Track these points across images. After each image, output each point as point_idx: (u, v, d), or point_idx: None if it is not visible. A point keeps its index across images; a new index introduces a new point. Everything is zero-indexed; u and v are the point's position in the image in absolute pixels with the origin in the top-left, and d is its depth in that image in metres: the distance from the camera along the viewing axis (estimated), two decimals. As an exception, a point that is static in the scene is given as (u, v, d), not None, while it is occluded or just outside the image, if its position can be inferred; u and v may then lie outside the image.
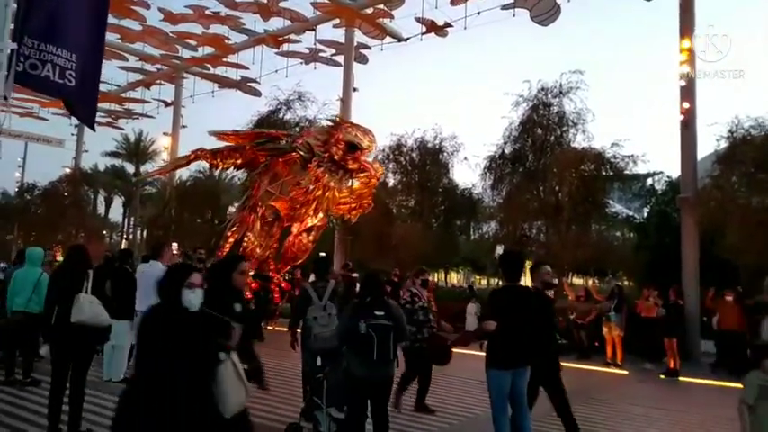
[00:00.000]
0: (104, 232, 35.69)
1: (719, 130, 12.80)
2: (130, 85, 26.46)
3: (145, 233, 28.32)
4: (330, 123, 9.41)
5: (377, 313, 4.44)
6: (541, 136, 15.83)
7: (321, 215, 9.84)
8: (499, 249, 15.00)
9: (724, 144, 12.90)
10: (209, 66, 23.94)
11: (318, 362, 5.33)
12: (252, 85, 23.70)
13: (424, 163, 18.32)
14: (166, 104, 26.78)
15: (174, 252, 13.90)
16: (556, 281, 11.83)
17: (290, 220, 9.74)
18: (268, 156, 9.84)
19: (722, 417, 7.24)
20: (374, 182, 9.69)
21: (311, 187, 9.04)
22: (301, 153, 9.22)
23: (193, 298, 2.99)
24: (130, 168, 41.91)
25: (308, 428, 5.10)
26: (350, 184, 9.71)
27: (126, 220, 44.02)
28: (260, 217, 9.61)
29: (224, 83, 24.50)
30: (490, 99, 68.51)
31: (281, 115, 19.55)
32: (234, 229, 10.23)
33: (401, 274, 11.38)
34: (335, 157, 8.78)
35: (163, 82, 26.17)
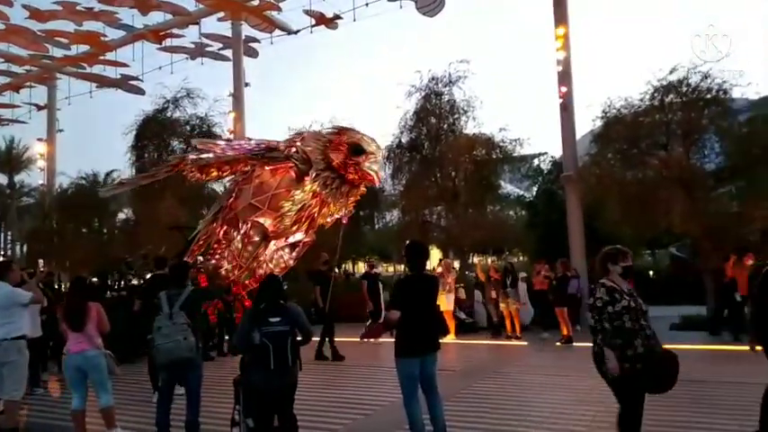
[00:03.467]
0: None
1: (595, 110, 13.80)
2: (-4, 88, 24.07)
3: (24, 248, 26.03)
4: (331, 129, 8.00)
5: (272, 320, 4.32)
6: (435, 124, 16.28)
7: (310, 231, 8.58)
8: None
9: (599, 123, 13.91)
10: (84, 65, 22.27)
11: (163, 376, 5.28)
12: (134, 83, 22.37)
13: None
14: (39, 108, 24.65)
15: (41, 269, 12.89)
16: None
17: (276, 237, 8.48)
18: (253, 163, 8.37)
19: (612, 376, 7.92)
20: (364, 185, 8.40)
21: (307, 204, 7.76)
22: (296, 163, 7.85)
23: None
24: (2, 179, 38.29)
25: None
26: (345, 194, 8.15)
27: (2, 234, 40.21)
28: (243, 235, 8.24)
29: (103, 82, 22.92)
30: (385, 90, 69.36)
31: (168, 114, 18.61)
32: (200, 243, 8.80)
33: (330, 259, 10.48)
34: (334, 164, 7.47)
35: (33, 84, 24.03)
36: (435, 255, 16.84)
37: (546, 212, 21.55)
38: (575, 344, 10.86)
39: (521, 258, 22.82)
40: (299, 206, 7.77)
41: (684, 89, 12.74)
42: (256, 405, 4.47)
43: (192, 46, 20.52)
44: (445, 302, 11.43)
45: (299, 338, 4.51)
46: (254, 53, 20.55)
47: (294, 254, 8.90)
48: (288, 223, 7.90)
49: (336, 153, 7.40)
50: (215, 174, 8.40)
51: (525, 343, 11.42)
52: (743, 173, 13.33)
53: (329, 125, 17.93)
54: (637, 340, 4.02)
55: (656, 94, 13.00)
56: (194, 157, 8.27)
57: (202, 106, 18.66)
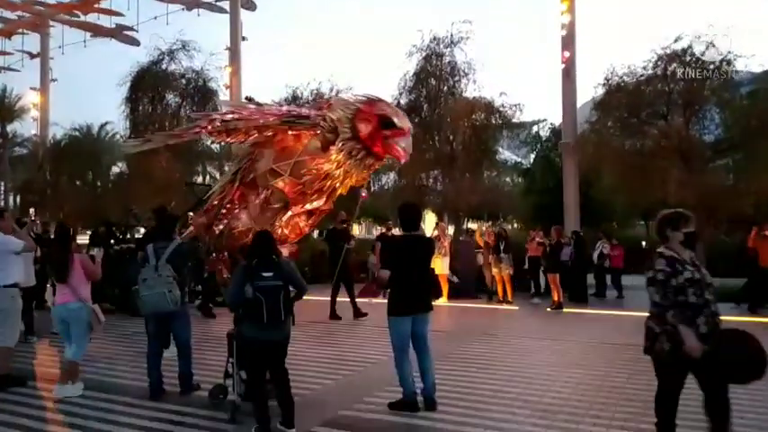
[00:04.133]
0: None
1: (597, 77, 13.66)
2: (-13, 33, 23.54)
3: (18, 199, 25.88)
4: (361, 97, 7.53)
5: (264, 274, 4.31)
6: (435, 86, 16.09)
7: (329, 200, 8.24)
8: None
9: (601, 91, 13.78)
10: (78, 13, 21.74)
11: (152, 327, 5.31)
12: (129, 33, 21.94)
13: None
14: (32, 56, 24.16)
15: (33, 219, 12.81)
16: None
17: (294, 204, 8.06)
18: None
19: (600, 342, 8.06)
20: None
21: (334, 173, 7.44)
22: (324, 132, 7.45)
23: None
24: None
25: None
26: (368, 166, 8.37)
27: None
28: (263, 200, 7.83)
29: (97, 31, 22.45)
30: (386, 48, 68.21)
31: (163, 66, 18.29)
32: (214, 203, 8.94)
33: (349, 217, 10.47)
34: (360, 135, 7.11)
35: (26, 31, 23.48)
36: (430, 219, 16.88)
37: (542, 180, 21.55)
38: (564, 309, 11.02)
39: (515, 225, 22.90)
40: (324, 176, 7.58)
41: (688, 58, 12.59)
42: (249, 358, 4.52)
43: (189, -4, 20.06)
44: (440, 266, 11.49)
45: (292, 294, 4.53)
46: (252, 6, 20.10)
47: (310, 221, 8.69)
48: (309, 192, 7.71)
49: (365, 124, 6.99)
50: (241, 137, 8.13)
51: (516, 308, 11.55)
52: (741, 146, 13.32)
53: (329, 83, 17.80)
54: (700, 318, 3.50)
55: (659, 63, 12.85)
56: (225, 118, 8.00)
57: (198, 59, 18.38)
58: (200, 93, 18.28)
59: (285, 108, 8.07)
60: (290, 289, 4.51)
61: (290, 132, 7.73)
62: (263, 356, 4.42)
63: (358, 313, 10.03)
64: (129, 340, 7.90)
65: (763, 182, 11.05)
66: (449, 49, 15.96)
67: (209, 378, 5.51)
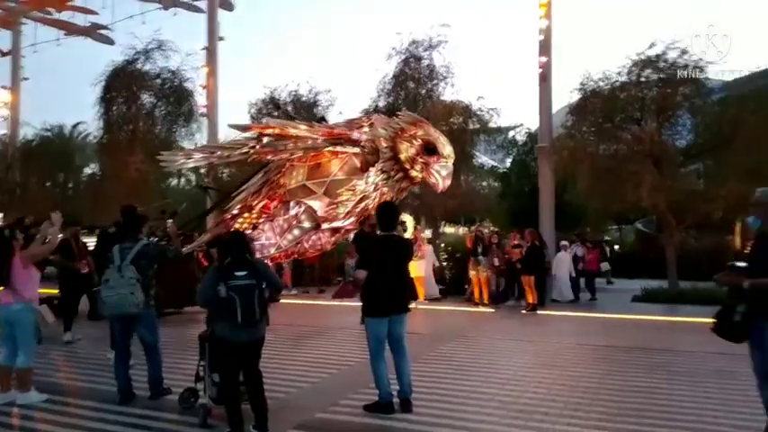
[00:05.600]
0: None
1: (573, 83, 13.82)
2: (-46, 30, 22.91)
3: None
4: (407, 118, 7.24)
5: (237, 274, 4.24)
6: (414, 89, 16.10)
7: (353, 219, 7.91)
8: None
9: (576, 96, 13.94)
10: (51, 10, 21.30)
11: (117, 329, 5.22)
12: (103, 32, 21.53)
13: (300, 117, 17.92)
14: (3, 54, 23.59)
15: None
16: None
17: (324, 222, 7.86)
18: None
19: (574, 343, 8.14)
20: None
21: (370, 194, 7.17)
22: (365, 152, 7.21)
23: None
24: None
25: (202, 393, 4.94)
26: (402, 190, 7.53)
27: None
28: (292, 216, 7.66)
29: (70, 29, 21.97)
30: (365, 50, 68.21)
31: (139, 66, 17.99)
32: (234, 212, 8.09)
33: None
34: (400, 156, 6.86)
35: (-5, 27, 22.93)
36: (410, 222, 16.87)
37: (518, 184, 21.74)
38: (539, 312, 11.10)
39: (491, 228, 23.04)
40: (359, 197, 7.26)
41: (662, 65, 12.82)
42: (222, 360, 4.44)
43: (166, -5, 19.80)
44: (416, 269, 11.49)
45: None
46: (229, 6, 19.93)
47: (333, 239, 8.30)
48: (342, 212, 7.37)
49: (406, 145, 6.78)
50: (285, 155, 7.66)
51: (492, 310, 11.61)
52: (711, 152, 13.59)
53: (307, 84, 17.72)
54: None
55: (633, 69, 13.06)
56: (274, 142, 7.50)
57: (174, 60, 18.07)
58: (175, 93, 18.02)
59: (333, 129, 7.69)
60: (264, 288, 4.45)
61: (325, 150, 7.46)
62: (237, 358, 4.35)
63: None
64: (101, 343, 7.73)
65: (732, 187, 11.26)
66: (427, 52, 16.01)
67: (181, 382, 5.42)
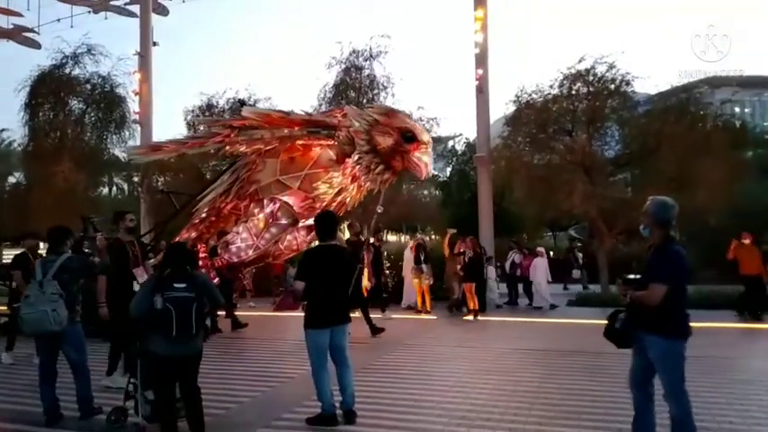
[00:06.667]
0: None
1: (509, 95, 14.26)
2: None
3: None
4: (379, 108, 7.14)
5: (176, 285, 4.11)
6: (355, 98, 16.15)
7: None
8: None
9: (512, 108, 14.39)
10: (-31, 10, 20.10)
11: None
12: (28, 35, 20.50)
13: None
14: None
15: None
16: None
17: (301, 218, 7.54)
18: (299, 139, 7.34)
19: (513, 348, 8.33)
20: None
21: (348, 187, 6.99)
22: (340, 143, 7.00)
23: None
24: None
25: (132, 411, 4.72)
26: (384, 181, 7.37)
27: None
28: (268, 215, 7.33)
29: (-9, 31, 20.82)
30: (305, 59, 67.91)
31: (67, 70, 17.20)
32: (203, 216, 7.63)
33: (362, 228, 10.00)
34: (379, 148, 6.71)
35: None
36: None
37: (458, 192, 22.16)
38: (480, 318, 11.31)
39: (433, 237, 23.35)
40: (336, 189, 7.02)
41: (591, 78, 13.41)
42: (157, 375, 4.27)
43: (96, -1, 19.07)
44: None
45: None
46: (163, 11, 19.39)
47: (308, 237, 8.03)
48: (319, 206, 7.10)
49: (384, 137, 6.68)
50: (259, 146, 7.30)
51: (435, 317, 11.73)
52: (638, 161, 14.30)
53: (246, 92, 17.44)
54: None
55: (564, 82, 13.60)
56: (249, 131, 7.14)
57: (105, 64, 17.43)
58: (106, 99, 17.36)
59: (308, 116, 7.48)
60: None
61: (298, 143, 7.22)
62: (172, 373, 4.19)
63: (375, 330, 9.22)
64: (26, 361, 7.28)
65: (658, 195, 11.88)
66: (368, 62, 16.14)
67: (113, 401, 5.16)
